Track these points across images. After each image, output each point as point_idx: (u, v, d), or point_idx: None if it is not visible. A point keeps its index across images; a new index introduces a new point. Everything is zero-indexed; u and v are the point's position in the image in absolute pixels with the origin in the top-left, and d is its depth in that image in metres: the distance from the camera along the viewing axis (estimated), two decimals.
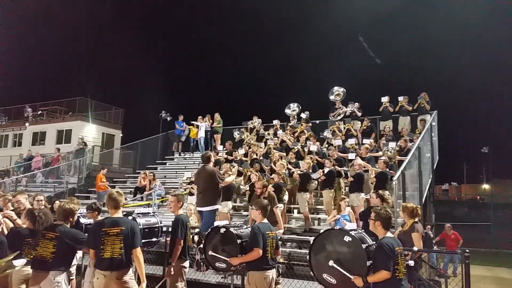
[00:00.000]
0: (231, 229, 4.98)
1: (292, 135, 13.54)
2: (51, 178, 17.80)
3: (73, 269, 6.55)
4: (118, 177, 17.72)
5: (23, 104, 25.99)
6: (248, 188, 10.00)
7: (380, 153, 10.87)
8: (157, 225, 5.91)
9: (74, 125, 24.06)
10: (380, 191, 7.18)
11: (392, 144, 11.08)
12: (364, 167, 9.49)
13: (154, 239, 5.86)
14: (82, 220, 6.02)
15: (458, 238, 12.13)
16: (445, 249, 11.56)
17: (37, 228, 4.99)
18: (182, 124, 17.73)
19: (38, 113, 25.42)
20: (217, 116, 16.93)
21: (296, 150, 11.67)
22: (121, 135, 26.50)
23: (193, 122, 17.21)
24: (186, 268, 5.39)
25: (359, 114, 13.75)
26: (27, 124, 25.08)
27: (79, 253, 6.69)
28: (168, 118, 18.37)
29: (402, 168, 8.26)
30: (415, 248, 4.99)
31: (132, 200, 12.59)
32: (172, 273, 5.20)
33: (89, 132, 24.16)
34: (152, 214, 6.20)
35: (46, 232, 4.54)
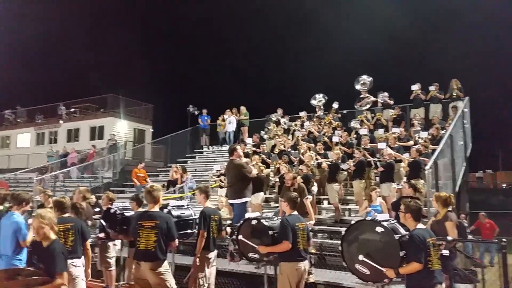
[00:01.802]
0: (262, 221, 5.07)
1: (319, 126, 13.48)
2: (86, 173, 18.44)
3: (112, 261, 6.87)
4: (150, 171, 18.15)
5: (57, 103, 26.93)
6: (277, 180, 10.07)
7: (411, 142, 10.69)
8: (191, 217, 6.09)
9: (106, 121, 24.76)
10: (413, 181, 7.11)
11: (423, 133, 10.88)
12: (395, 157, 9.37)
13: (188, 231, 6.05)
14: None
15: (493, 227, 11.80)
16: (480, 238, 11.29)
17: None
18: (206, 118, 17.99)
19: (71, 110, 26.27)
20: (243, 109, 17.07)
21: (323, 141, 11.62)
22: (151, 130, 27.09)
23: (221, 117, 17.41)
24: (211, 259, 5.43)
25: (391, 102, 13.52)
26: (61, 121, 25.96)
27: (118, 245, 7.01)
28: (196, 112, 18.65)
29: (434, 157, 8.13)
30: (449, 238, 4.93)
31: (166, 194, 12.92)
32: (198, 264, 5.30)
33: (121, 128, 24.80)
34: (186, 206, 6.39)
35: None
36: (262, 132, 15.20)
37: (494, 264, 9.98)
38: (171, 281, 4.60)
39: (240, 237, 5.19)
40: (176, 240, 4.58)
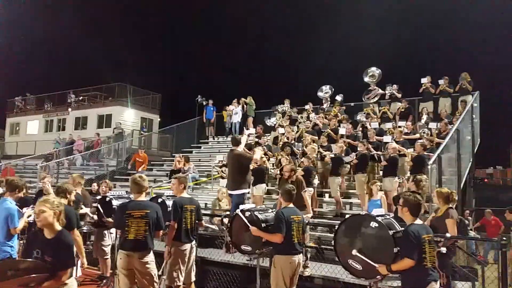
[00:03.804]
0: (256, 213, 4.98)
1: (325, 118, 13.30)
2: (92, 161, 18.55)
3: (107, 249, 6.86)
4: (156, 160, 18.26)
5: (66, 90, 27.07)
6: (278, 172, 9.97)
7: (417, 135, 10.50)
8: None
9: (114, 110, 24.82)
10: (418, 176, 6.95)
11: (433, 124, 10.68)
12: (399, 151, 9.20)
13: None
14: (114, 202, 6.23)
15: (499, 224, 11.56)
16: (485, 235, 11.10)
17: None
18: (212, 109, 17.94)
19: (80, 98, 26.40)
20: (249, 99, 16.94)
21: (326, 133, 11.46)
22: (159, 119, 27.14)
23: (228, 108, 17.32)
24: (185, 250, 5.25)
25: (399, 95, 13.28)
26: (69, 109, 26.12)
27: (113, 233, 6.98)
28: (204, 103, 18.59)
29: (438, 151, 7.96)
30: (448, 235, 4.81)
31: (168, 183, 12.91)
32: (168, 255, 5.17)
33: (128, 116, 24.86)
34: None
35: None
36: (267, 118, 14.97)
37: (497, 262, 9.79)
38: (155, 271, 4.58)
39: (239, 211, 5.07)
40: (162, 230, 4.51)
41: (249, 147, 11.00)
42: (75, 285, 3.58)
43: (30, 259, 3.33)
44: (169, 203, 5.59)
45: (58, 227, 3.44)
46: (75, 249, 4.58)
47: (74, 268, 4.63)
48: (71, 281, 3.48)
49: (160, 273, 5.27)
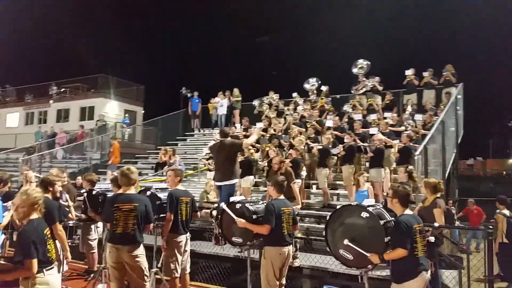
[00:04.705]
0: (247, 205, 4.96)
1: (311, 110, 13.32)
2: (75, 154, 18.21)
3: (94, 243, 6.76)
4: (140, 153, 18.04)
5: (47, 82, 26.44)
6: (266, 164, 9.96)
7: (403, 127, 10.61)
8: None
9: (97, 102, 24.35)
10: (410, 167, 7.04)
11: (418, 116, 10.81)
12: (385, 142, 9.29)
13: None
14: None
15: (481, 214, 11.85)
16: (468, 225, 11.35)
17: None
18: (197, 101, 17.79)
19: (61, 90, 25.81)
20: (235, 91, 16.82)
21: (311, 124, 11.47)
22: (142, 111, 26.75)
23: (213, 100, 17.19)
24: (180, 242, 5.29)
25: (380, 88, 13.37)
26: (51, 101, 25.53)
27: (100, 227, 6.88)
28: (189, 95, 18.40)
29: (424, 142, 8.07)
30: (436, 224, 4.89)
31: (153, 176, 12.78)
32: (165, 247, 5.21)
33: (111, 109, 24.42)
34: (170, 189, 6.23)
35: None
36: (255, 102, 14.85)
37: (480, 250, 10.03)
38: (145, 264, 4.51)
39: (222, 204, 5.10)
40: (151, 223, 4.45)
41: (236, 139, 10.99)
42: (53, 281, 3.50)
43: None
44: (162, 195, 5.51)
45: (33, 217, 3.43)
46: (58, 244, 4.50)
47: (59, 263, 4.52)
48: (44, 277, 3.41)
49: (159, 265, 5.25)
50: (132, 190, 4.54)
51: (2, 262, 3.48)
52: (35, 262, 3.29)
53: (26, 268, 3.26)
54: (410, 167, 7.15)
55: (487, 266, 4.50)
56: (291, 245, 4.98)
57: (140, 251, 4.45)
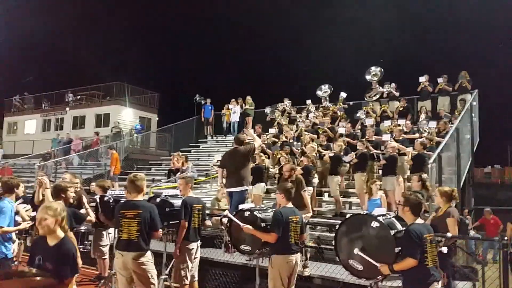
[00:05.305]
0: (255, 212, 4.93)
1: (323, 117, 13.26)
2: (90, 160, 18.47)
3: (105, 249, 6.80)
4: (154, 159, 18.22)
5: (64, 90, 26.97)
6: (277, 171, 9.93)
7: (417, 135, 10.47)
8: None
9: (112, 109, 24.71)
10: (424, 175, 6.92)
11: (432, 123, 10.66)
12: (399, 150, 9.16)
13: None
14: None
15: (498, 223, 11.56)
16: (484, 234, 11.08)
17: None
18: (210, 109, 17.93)
19: (77, 98, 26.30)
20: (248, 98, 16.94)
21: (323, 130, 11.41)
22: (157, 118, 27.05)
23: (226, 108, 17.32)
24: (192, 250, 5.35)
25: (397, 94, 13.25)
26: (67, 108, 26.02)
27: (112, 233, 6.91)
28: (202, 102, 18.56)
29: (438, 150, 7.93)
30: (449, 234, 4.77)
31: (166, 182, 12.85)
32: (178, 254, 5.24)
33: (126, 116, 24.75)
34: (180, 196, 6.25)
35: None
36: (267, 110, 14.89)
37: (497, 261, 9.77)
38: (153, 272, 4.51)
39: (226, 212, 5.15)
40: (160, 230, 4.47)
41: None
42: None
43: (34, 269, 3.23)
44: (175, 201, 5.53)
45: (60, 233, 3.36)
46: None
47: None
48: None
49: (167, 272, 5.26)
50: (139, 197, 4.57)
51: (26, 268, 3.42)
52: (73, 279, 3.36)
53: (66, 284, 3.25)
54: (424, 175, 7.03)
55: (502, 278, 4.37)
56: (298, 253, 4.92)
57: (147, 258, 4.45)
